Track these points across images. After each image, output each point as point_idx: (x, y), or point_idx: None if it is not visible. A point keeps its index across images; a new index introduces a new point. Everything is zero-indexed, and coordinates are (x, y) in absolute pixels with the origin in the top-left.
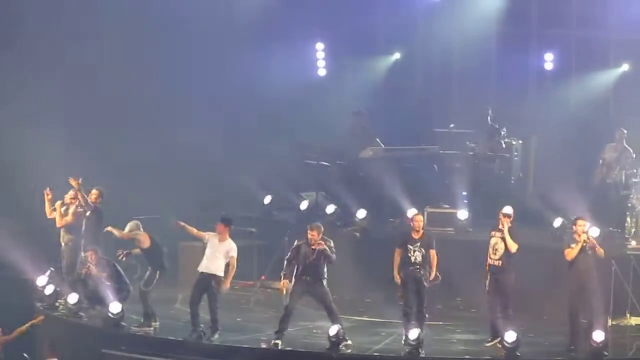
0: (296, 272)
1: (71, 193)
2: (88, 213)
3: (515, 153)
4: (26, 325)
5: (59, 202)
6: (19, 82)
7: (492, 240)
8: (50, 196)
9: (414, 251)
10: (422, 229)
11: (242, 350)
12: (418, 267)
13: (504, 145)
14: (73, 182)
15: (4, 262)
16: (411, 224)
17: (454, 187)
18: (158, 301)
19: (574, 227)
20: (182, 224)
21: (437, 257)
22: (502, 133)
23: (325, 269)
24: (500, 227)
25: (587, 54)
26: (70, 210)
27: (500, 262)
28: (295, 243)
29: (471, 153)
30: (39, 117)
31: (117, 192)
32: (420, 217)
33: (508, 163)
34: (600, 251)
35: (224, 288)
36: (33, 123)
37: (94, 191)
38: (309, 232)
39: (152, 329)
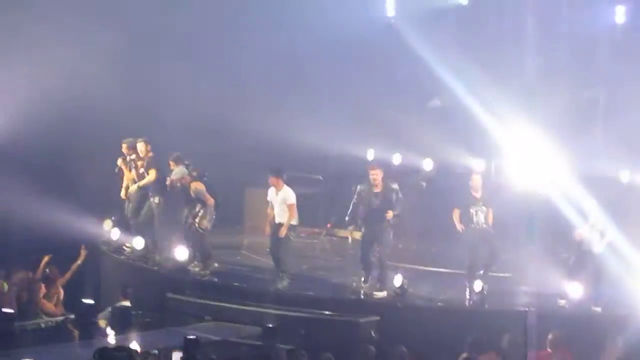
0: (363, 218)
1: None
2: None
3: None
4: (76, 263)
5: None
6: None
7: None
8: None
9: (477, 212)
10: (481, 188)
11: (308, 297)
12: (481, 226)
13: None
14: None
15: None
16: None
17: None
18: (223, 247)
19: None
20: None
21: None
22: None
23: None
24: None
25: None
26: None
27: None
28: (358, 187)
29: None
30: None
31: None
32: (477, 177)
33: None
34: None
35: (281, 233)
36: None
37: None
38: (370, 171)
39: (208, 271)
